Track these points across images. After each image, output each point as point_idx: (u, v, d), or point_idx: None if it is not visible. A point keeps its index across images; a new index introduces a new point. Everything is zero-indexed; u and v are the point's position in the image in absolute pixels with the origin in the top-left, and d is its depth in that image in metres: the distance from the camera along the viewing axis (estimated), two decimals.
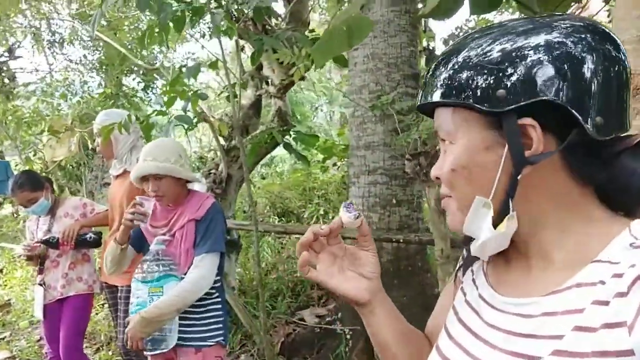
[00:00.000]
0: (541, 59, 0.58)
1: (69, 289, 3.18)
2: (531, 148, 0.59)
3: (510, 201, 0.62)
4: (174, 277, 2.19)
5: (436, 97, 0.65)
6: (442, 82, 0.64)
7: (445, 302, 0.85)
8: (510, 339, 0.62)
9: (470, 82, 0.61)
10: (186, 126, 3.27)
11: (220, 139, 4.36)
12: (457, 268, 0.82)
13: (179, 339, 2.16)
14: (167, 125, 3.03)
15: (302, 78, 4.57)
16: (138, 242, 2.30)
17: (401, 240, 3.06)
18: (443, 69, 0.65)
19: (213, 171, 4.50)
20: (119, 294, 2.95)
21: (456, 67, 0.63)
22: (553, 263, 0.63)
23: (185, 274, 2.15)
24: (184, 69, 3.09)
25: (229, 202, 4.49)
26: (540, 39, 0.59)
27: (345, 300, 0.79)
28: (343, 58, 3.73)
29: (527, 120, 0.59)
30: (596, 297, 0.55)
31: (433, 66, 0.68)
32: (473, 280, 0.75)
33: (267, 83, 4.67)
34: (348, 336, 3.51)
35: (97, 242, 3.18)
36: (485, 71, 0.60)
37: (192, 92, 3.24)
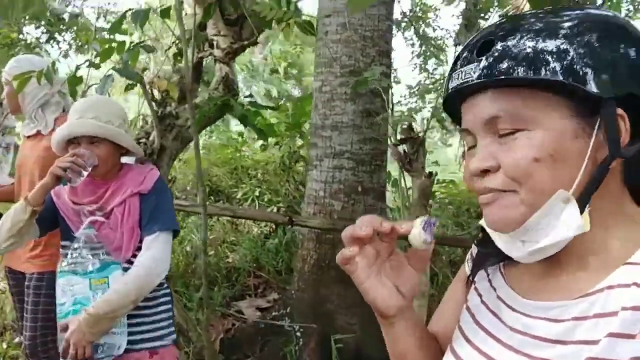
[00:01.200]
0: None
1: None
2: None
3: (590, 196, 0.58)
4: (116, 264, 1.81)
5: (518, 73, 0.57)
6: (529, 58, 0.57)
7: (451, 301, 0.82)
8: (537, 344, 0.59)
9: (568, 61, 0.56)
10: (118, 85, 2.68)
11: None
12: (470, 269, 0.77)
13: (128, 342, 1.77)
14: (103, 80, 2.44)
15: (255, 43, 4.10)
16: (44, 221, 1.83)
17: None
18: (526, 42, 0.58)
19: (143, 140, 3.89)
20: (26, 283, 2.39)
21: (548, 43, 0.57)
22: (587, 264, 0.61)
23: (129, 260, 1.79)
24: (128, 14, 2.51)
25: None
26: None
27: (370, 305, 0.72)
28: (310, 24, 3.34)
29: (619, 111, 0.57)
30: (631, 300, 0.53)
31: (501, 37, 0.59)
32: (489, 281, 0.72)
33: (211, 45, 4.13)
34: (298, 334, 3.17)
35: None
36: (589, 52, 0.56)
37: (134, 43, 2.67)
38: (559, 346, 0.57)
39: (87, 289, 1.76)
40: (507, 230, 0.61)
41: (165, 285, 1.93)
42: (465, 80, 0.61)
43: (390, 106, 3.13)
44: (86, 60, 2.54)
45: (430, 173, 2.51)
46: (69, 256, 1.79)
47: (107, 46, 2.61)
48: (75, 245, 1.79)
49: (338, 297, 3.14)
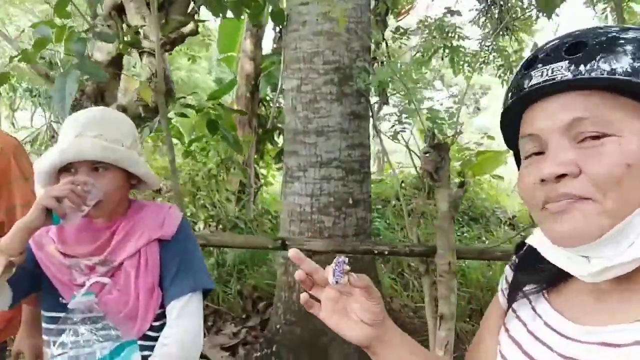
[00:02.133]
0: None
1: None
2: None
3: None
4: (132, 344, 1.31)
5: (620, 74, 0.56)
6: (627, 60, 0.56)
7: (488, 335, 0.76)
8: None
9: None
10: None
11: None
12: (507, 296, 0.73)
13: None
14: (60, 80, 1.70)
15: (196, 32, 3.46)
16: (19, 283, 1.27)
17: (386, 252, 2.43)
18: (625, 45, 0.56)
19: None
20: None
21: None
22: None
23: (146, 335, 1.33)
24: None
25: None
26: None
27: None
28: (280, 13, 2.87)
29: None
30: None
31: (594, 39, 0.58)
32: (532, 308, 0.68)
33: (136, 34, 3.37)
34: None
35: None
36: None
37: (72, 28, 1.97)
38: None
39: None
40: (578, 244, 0.57)
41: None
42: (553, 77, 0.58)
43: (376, 108, 2.82)
44: (20, 53, 1.77)
45: (462, 182, 2.26)
46: (64, 338, 1.27)
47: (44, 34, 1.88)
48: (73, 319, 1.27)
49: None
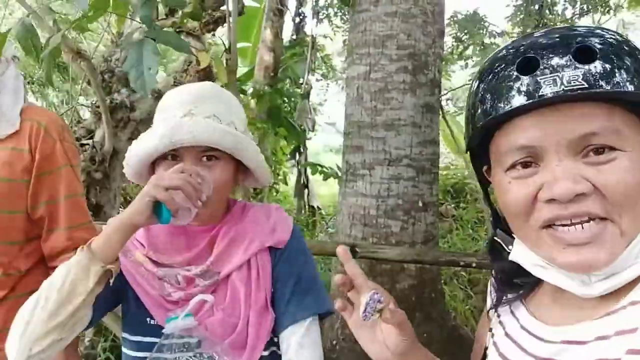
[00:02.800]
0: None
1: None
2: None
3: None
4: None
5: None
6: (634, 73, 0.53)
7: (482, 337, 0.77)
8: None
9: None
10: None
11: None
12: (493, 302, 0.73)
13: None
14: (135, 52, 1.36)
15: (242, 12, 3.13)
16: (102, 297, 0.97)
17: (473, 265, 2.13)
18: (630, 55, 0.53)
19: (86, 142, 2.67)
20: None
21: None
22: None
23: None
24: None
25: (113, 193, 2.73)
26: None
27: None
28: None
29: None
30: None
31: (600, 47, 0.53)
32: (511, 312, 0.70)
33: (171, 12, 3.04)
34: None
35: None
36: None
37: None
38: None
39: None
40: (602, 265, 0.54)
41: None
42: (571, 87, 0.52)
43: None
44: (75, 21, 1.44)
45: None
46: None
47: None
48: (174, 347, 0.97)
49: None
